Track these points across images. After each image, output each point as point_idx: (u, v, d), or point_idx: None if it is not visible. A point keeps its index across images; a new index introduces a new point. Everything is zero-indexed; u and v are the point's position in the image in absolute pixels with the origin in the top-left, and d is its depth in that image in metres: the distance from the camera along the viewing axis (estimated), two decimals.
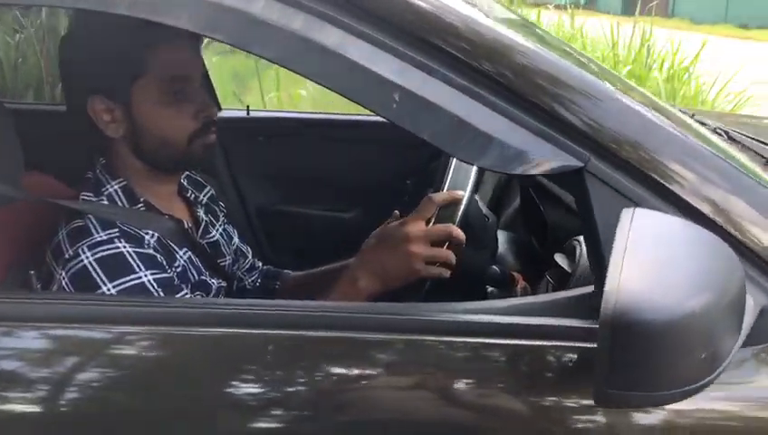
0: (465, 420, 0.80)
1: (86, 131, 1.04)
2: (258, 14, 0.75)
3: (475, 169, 1.11)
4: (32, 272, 1.03)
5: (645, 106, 0.86)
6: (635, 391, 0.67)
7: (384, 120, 0.80)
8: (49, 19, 3.63)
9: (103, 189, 1.05)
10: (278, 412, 0.79)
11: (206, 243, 1.18)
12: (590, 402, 0.71)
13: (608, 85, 0.87)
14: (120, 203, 1.05)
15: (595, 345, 0.66)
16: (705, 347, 0.67)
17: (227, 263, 1.23)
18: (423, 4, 0.79)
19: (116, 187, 1.05)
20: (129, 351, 0.81)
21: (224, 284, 1.16)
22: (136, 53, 1.00)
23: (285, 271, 1.40)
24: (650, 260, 0.66)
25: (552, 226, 1.24)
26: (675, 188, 0.79)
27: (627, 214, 0.70)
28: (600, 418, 0.78)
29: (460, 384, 0.80)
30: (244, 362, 0.81)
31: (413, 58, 0.77)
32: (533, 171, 0.79)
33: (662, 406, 0.74)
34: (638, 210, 0.70)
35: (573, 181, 0.80)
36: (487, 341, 0.80)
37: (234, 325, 0.81)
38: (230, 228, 1.30)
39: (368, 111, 0.88)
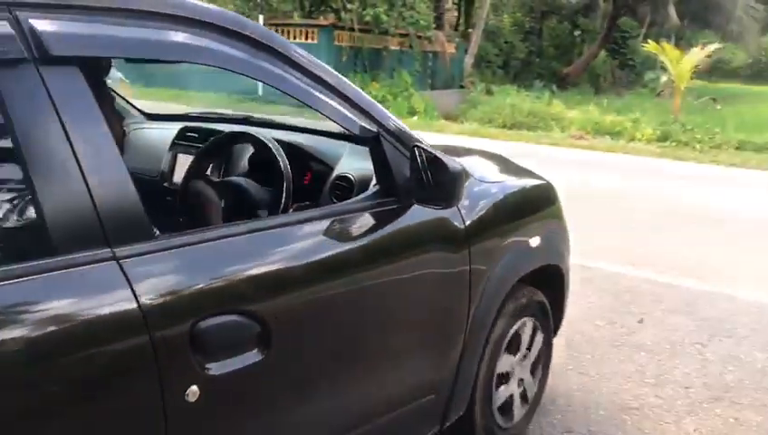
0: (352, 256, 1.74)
1: None
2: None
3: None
4: None
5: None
6: (429, 202, 1.81)
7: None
8: None
9: None
10: None
11: None
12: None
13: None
14: None
15: (383, 208, 1.83)
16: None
17: None
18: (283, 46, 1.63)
19: None
20: None
21: None
22: None
23: None
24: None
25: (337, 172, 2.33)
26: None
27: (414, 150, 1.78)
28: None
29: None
30: None
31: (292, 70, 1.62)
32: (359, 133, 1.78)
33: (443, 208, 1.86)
34: (416, 147, 1.78)
35: (373, 140, 1.80)
36: (343, 217, 1.76)
37: None
38: None
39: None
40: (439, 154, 1.76)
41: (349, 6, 15.65)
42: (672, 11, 21.49)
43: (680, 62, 14.24)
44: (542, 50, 25.81)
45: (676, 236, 5.86)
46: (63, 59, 1.22)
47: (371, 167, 1.89)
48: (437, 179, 1.74)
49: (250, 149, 2.46)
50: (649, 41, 16.91)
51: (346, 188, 2.22)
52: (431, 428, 2.14)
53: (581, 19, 26.12)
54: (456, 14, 24.95)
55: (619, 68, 26.67)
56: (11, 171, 1.23)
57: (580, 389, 3.11)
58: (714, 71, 41.48)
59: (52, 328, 1.15)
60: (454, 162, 1.76)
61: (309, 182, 2.40)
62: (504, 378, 2.47)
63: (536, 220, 2.58)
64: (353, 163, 2.28)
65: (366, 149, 1.86)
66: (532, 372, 2.66)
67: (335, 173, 2.30)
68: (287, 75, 1.59)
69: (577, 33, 27.52)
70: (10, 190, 1.32)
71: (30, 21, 1.19)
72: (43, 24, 1.20)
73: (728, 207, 7.37)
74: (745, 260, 5.30)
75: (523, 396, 2.62)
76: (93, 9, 1.29)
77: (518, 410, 2.59)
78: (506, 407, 2.52)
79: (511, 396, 2.53)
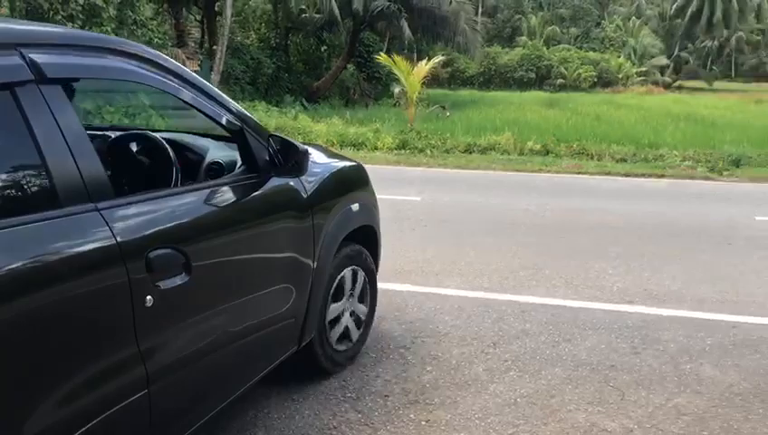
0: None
1: None
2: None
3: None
4: None
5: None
6: (285, 174, 2.74)
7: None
8: None
9: None
10: None
11: None
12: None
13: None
14: None
15: (249, 181, 2.62)
16: None
17: None
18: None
19: None
20: None
21: None
22: None
23: None
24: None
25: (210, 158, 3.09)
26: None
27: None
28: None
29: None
30: None
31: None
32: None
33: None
34: (271, 135, 2.68)
35: (238, 132, 2.58)
36: (222, 188, 2.50)
37: None
38: None
39: None
40: (290, 139, 2.73)
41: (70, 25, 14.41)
42: (405, 25, 22.96)
43: (411, 74, 15.19)
44: (290, 65, 26.11)
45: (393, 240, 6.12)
46: (52, 80, 1.87)
47: (233, 155, 2.89)
48: (290, 157, 2.68)
49: (142, 144, 3.02)
50: (382, 54, 17.86)
51: (217, 170, 3.00)
52: (292, 344, 2.98)
53: (326, 34, 26.90)
54: (200, 31, 24.35)
55: (366, 80, 27.89)
56: (25, 153, 1.79)
57: (280, 416, 3.01)
58: (452, 79, 45.57)
59: (60, 256, 1.76)
60: (301, 144, 2.76)
61: (186, 167, 2.98)
62: (337, 314, 3.36)
63: (355, 191, 3.50)
64: (218, 153, 3.12)
65: (225, 144, 3.05)
66: (362, 302, 3.58)
67: (206, 160, 3.09)
68: (180, 87, 2.37)
69: (323, 48, 28.29)
70: (26, 167, 1.82)
71: (30, 55, 1.83)
72: (39, 57, 1.85)
73: (453, 208, 7.90)
74: (462, 259, 5.65)
75: (358, 322, 3.56)
76: (64, 46, 2.03)
77: (354, 334, 3.54)
78: (345, 334, 3.45)
79: (346, 327, 3.45)
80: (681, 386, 3.36)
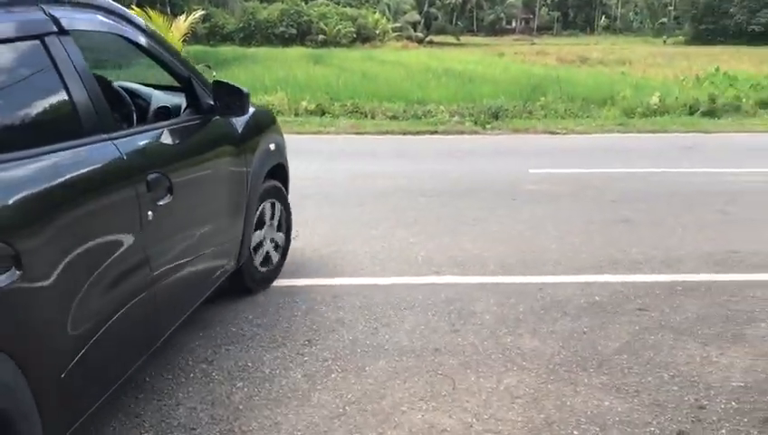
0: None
1: None
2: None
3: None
4: None
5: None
6: (230, 114, 3.32)
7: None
8: None
9: None
10: None
11: None
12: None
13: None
14: None
15: (197, 121, 3.16)
16: None
17: None
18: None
19: None
20: None
21: None
22: None
23: None
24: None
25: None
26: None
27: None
28: None
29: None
30: None
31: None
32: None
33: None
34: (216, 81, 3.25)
35: (186, 80, 3.15)
36: (175, 127, 2.99)
37: None
38: None
39: None
40: (234, 84, 3.27)
41: None
42: None
43: (170, 31, 13.90)
44: None
45: None
46: (68, 31, 2.25)
47: (174, 100, 3.39)
48: (235, 99, 3.23)
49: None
50: (134, 7, 16.15)
51: (165, 114, 3.30)
52: (233, 261, 3.52)
53: None
54: None
55: None
56: (57, 93, 2.18)
57: None
58: (211, 36, 43.42)
59: (85, 180, 2.18)
60: (243, 88, 3.27)
61: (137, 110, 3.29)
62: (260, 241, 3.92)
63: (269, 132, 3.97)
64: (162, 99, 3.44)
65: (164, 92, 3.51)
66: (279, 231, 4.15)
67: (153, 105, 3.39)
68: (147, 43, 2.90)
69: None
70: (61, 104, 2.20)
71: (50, 11, 2.20)
72: (56, 12, 2.23)
73: None
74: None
75: (276, 248, 4.14)
76: (69, 2, 2.38)
77: (275, 258, 4.12)
78: (266, 258, 4.02)
79: (267, 252, 4.01)
80: (507, 363, 3.22)
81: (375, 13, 52.13)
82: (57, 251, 1.94)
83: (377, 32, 48.38)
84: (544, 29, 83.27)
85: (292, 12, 46.00)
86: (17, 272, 1.76)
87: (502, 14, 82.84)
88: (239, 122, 3.49)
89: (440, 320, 3.70)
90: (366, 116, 12.59)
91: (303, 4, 48.25)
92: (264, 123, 4.01)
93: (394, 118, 12.48)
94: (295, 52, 32.22)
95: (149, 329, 2.67)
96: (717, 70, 18.86)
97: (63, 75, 2.14)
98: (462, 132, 11.31)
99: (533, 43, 57.08)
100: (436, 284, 4.26)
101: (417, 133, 11.17)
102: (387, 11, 55.34)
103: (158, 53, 2.97)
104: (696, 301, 3.97)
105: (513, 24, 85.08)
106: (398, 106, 13.14)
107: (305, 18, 46.05)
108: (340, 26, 45.80)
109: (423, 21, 63.21)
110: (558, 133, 11.16)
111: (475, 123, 11.87)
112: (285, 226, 4.22)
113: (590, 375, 3.13)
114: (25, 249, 1.79)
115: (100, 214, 2.22)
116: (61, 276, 1.94)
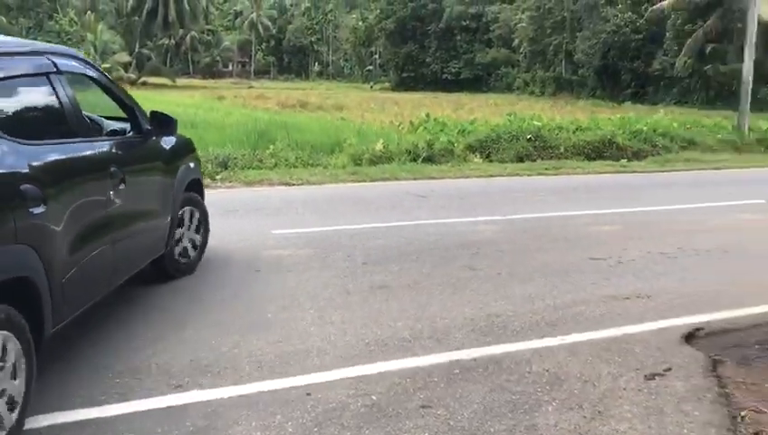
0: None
1: None
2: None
3: None
4: None
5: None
6: (163, 135, 4.98)
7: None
8: None
9: None
10: None
11: None
12: None
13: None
14: None
15: (138, 139, 4.68)
16: None
17: None
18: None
19: None
20: None
21: None
22: None
23: None
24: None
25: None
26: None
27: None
28: None
29: None
30: None
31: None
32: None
33: None
34: (152, 112, 4.89)
35: (131, 109, 4.66)
36: (124, 142, 4.49)
37: None
38: None
39: None
40: (166, 113, 4.85)
41: None
42: None
43: None
44: None
45: None
46: (62, 72, 3.68)
47: (121, 126, 4.66)
48: (166, 124, 4.83)
49: None
50: None
51: (115, 133, 4.52)
52: (162, 243, 4.91)
53: None
54: None
55: None
56: (55, 110, 3.65)
57: None
58: None
59: (78, 160, 3.73)
60: (172, 116, 4.89)
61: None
62: (179, 237, 5.30)
63: (189, 154, 5.56)
64: (112, 124, 4.73)
65: (111, 121, 4.80)
66: (197, 233, 5.55)
67: (105, 128, 4.62)
68: (105, 84, 4.43)
69: None
70: (59, 117, 3.66)
71: (53, 59, 3.65)
72: (56, 60, 3.67)
73: None
74: None
75: (194, 245, 5.51)
76: (62, 54, 3.88)
77: (192, 253, 5.48)
78: (184, 252, 5.38)
79: (185, 247, 5.37)
80: None
81: (80, 51, 48.00)
82: (64, 199, 3.32)
83: None
84: (261, 73, 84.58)
85: None
86: (44, 206, 3.06)
87: (218, 58, 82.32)
88: (167, 142, 4.98)
89: None
90: None
91: None
92: (187, 147, 5.52)
93: None
94: None
95: (111, 270, 4.01)
96: (428, 116, 20.15)
97: (60, 98, 3.60)
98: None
99: (251, 87, 57.39)
100: (174, 406, 3.31)
101: None
102: (93, 50, 51.38)
103: (110, 88, 4.48)
104: (477, 386, 3.59)
105: (230, 66, 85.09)
106: None
107: None
108: None
109: (135, 62, 59.99)
110: (294, 184, 10.69)
111: (203, 174, 10.88)
112: (202, 228, 5.59)
113: None
114: (48, 194, 3.11)
115: (87, 182, 3.68)
116: (65, 216, 3.29)
